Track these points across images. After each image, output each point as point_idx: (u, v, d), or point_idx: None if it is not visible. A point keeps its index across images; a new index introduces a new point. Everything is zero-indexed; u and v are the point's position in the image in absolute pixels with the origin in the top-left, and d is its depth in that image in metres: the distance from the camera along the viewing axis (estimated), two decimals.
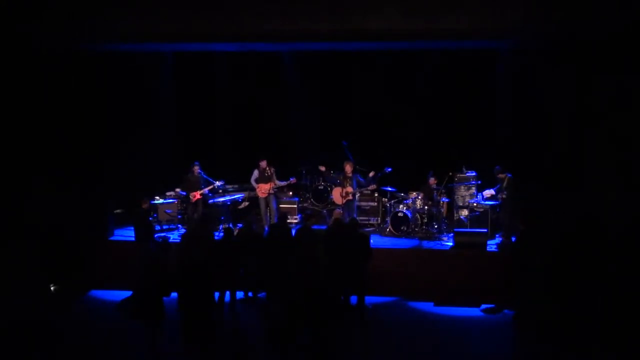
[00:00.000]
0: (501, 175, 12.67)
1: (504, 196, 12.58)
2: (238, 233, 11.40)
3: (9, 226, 12.14)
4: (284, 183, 13.70)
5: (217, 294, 10.19)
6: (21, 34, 11.68)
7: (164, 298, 8.96)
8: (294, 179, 13.76)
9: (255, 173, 13.58)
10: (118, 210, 13.83)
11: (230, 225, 13.01)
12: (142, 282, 9.09)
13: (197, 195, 13.51)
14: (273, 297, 10.68)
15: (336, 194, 13.39)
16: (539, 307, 10.11)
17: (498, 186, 12.74)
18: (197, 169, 13.62)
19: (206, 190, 13.62)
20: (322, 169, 13.89)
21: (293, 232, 11.24)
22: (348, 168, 13.09)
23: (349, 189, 12.99)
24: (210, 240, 10.94)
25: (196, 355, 8.73)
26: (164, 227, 13.86)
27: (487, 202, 12.91)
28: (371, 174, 13.22)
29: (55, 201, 12.44)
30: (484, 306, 10.99)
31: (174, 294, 8.88)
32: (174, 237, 12.82)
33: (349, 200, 13.04)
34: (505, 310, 10.78)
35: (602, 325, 9.82)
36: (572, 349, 9.25)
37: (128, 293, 9.16)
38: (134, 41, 12.12)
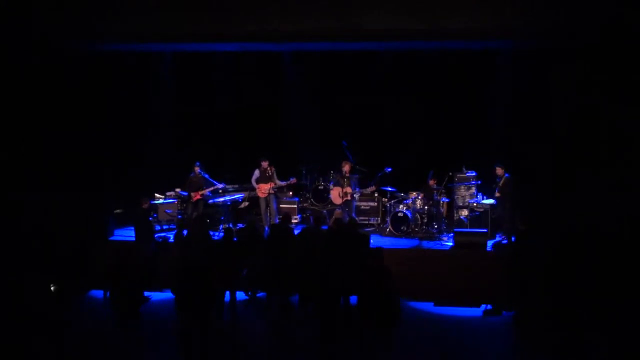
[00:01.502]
0: (499, 172, 12.65)
1: (498, 195, 12.61)
2: (239, 233, 11.39)
3: (10, 226, 12.14)
4: (284, 183, 13.69)
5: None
6: (19, 34, 11.68)
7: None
8: (294, 179, 13.75)
9: (256, 173, 13.57)
10: (118, 210, 13.83)
11: (230, 225, 13.02)
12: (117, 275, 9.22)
13: (197, 195, 13.51)
14: (273, 297, 10.67)
15: (335, 194, 13.38)
16: (539, 307, 10.09)
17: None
18: (197, 169, 13.62)
19: (207, 191, 13.62)
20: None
21: (297, 232, 11.19)
22: (346, 168, 13.07)
23: (348, 189, 12.98)
24: (209, 240, 10.94)
25: (195, 356, 8.72)
26: (164, 227, 13.88)
27: (487, 201, 12.91)
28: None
29: (55, 201, 12.44)
30: (483, 307, 10.98)
31: (174, 295, 8.89)
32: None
33: (347, 200, 13.02)
34: (504, 311, 10.77)
35: (601, 326, 9.82)
36: (571, 349, 9.24)
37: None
38: (134, 41, 12.14)
